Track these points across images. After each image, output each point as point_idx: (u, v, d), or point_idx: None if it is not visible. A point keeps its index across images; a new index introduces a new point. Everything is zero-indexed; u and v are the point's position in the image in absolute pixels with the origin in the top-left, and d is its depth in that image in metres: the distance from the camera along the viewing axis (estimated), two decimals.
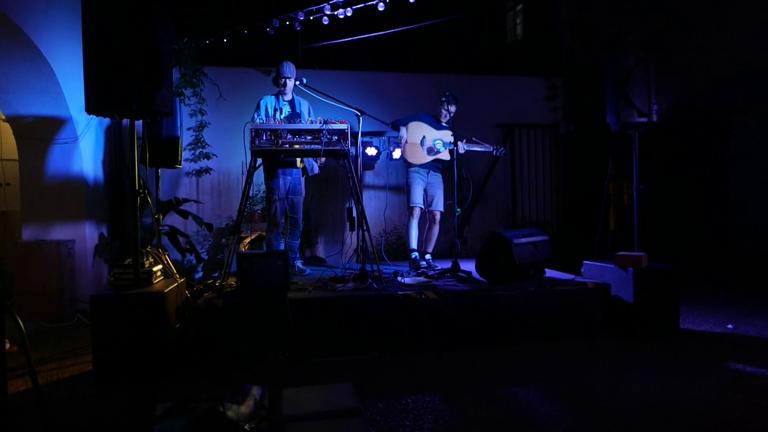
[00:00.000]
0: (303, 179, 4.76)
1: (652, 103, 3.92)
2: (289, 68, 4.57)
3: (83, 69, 2.92)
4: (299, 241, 4.83)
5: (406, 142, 4.88)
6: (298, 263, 4.78)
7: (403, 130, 4.89)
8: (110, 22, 2.87)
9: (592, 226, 5.94)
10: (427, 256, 5.04)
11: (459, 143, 4.74)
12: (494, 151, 4.91)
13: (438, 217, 5.03)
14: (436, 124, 4.96)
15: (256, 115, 4.54)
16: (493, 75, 7.66)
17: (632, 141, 4.22)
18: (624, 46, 3.86)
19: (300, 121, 4.53)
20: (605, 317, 3.99)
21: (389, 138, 6.73)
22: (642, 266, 3.92)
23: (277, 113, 4.57)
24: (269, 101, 4.61)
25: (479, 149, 4.87)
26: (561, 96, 7.71)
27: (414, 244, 4.98)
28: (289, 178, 4.61)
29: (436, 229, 5.05)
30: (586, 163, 7.23)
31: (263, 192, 6.58)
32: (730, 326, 4.19)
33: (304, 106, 4.74)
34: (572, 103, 7.63)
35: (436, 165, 5.01)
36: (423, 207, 4.98)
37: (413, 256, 4.97)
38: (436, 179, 5.03)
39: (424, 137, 4.90)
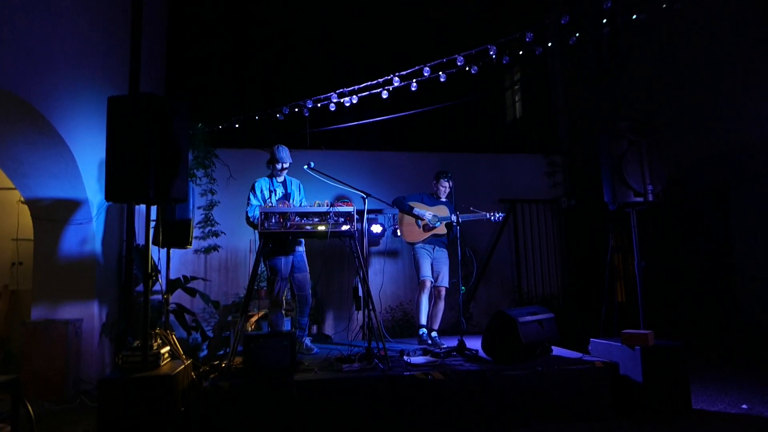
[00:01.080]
0: (305, 255, 4.86)
1: (647, 183, 4.08)
2: (286, 153, 4.79)
3: (105, 161, 3.12)
4: (308, 318, 4.87)
5: (424, 222, 5.05)
6: (307, 341, 4.79)
7: (424, 212, 5.07)
8: (132, 119, 3.10)
9: (598, 299, 5.96)
10: (434, 334, 5.06)
11: (460, 215, 4.91)
12: (491, 217, 5.05)
13: (443, 293, 5.10)
14: (433, 201, 5.18)
15: (252, 197, 4.70)
16: (494, 153, 7.95)
17: (630, 219, 4.35)
18: (615, 131, 4.07)
19: (292, 201, 4.72)
20: (615, 397, 3.93)
21: (394, 216, 6.91)
22: (649, 344, 3.92)
23: (272, 195, 4.74)
24: (263, 184, 4.79)
25: (475, 218, 5.02)
26: (560, 172, 7.94)
27: (423, 320, 5.03)
28: (291, 257, 4.70)
29: (442, 305, 5.10)
30: (589, 237, 7.33)
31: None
32: (744, 406, 4.11)
33: (294, 186, 4.90)
34: (572, 178, 7.85)
35: (441, 240, 5.15)
36: (433, 280, 5.07)
37: (421, 332, 5.00)
38: (442, 255, 5.15)
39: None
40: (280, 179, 4.84)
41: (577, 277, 7.59)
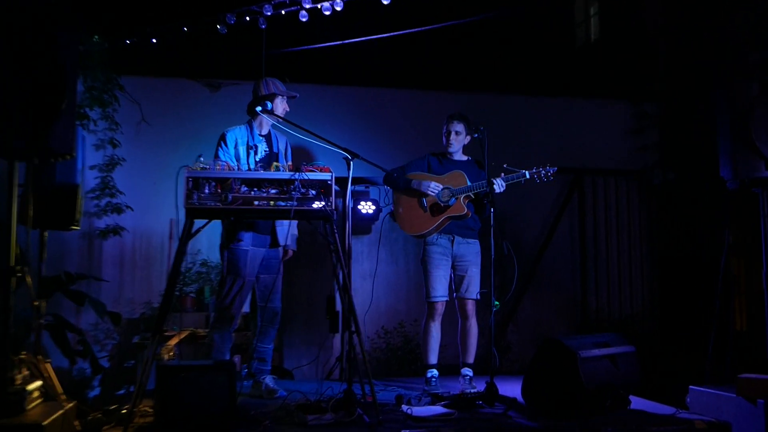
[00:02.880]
0: (282, 250, 4.90)
1: None
2: (283, 87, 4.84)
3: None
4: (273, 345, 4.93)
5: (431, 200, 5.05)
6: (268, 380, 4.83)
7: (427, 183, 5.02)
8: None
9: (704, 324, 5.97)
10: (466, 371, 5.11)
11: (495, 180, 4.87)
12: (536, 176, 4.99)
13: (471, 308, 5.13)
14: (446, 165, 5.19)
15: (221, 154, 4.70)
16: (552, 96, 7.90)
17: (759, 204, 4.35)
18: (741, 68, 4.05)
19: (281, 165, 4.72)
20: None
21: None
22: None
23: (251, 154, 4.76)
24: (239, 135, 4.81)
25: (510, 180, 4.98)
26: (654, 129, 7.89)
27: (432, 358, 5.08)
28: (262, 250, 4.74)
29: (473, 326, 5.14)
30: (695, 229, 7.31)
31: (199, 265, 6.67)
32: None
33: (281, 143, 4.97)
34: (671, 139, 7.80)
35: (465, 226, 5.15)
36: (447, 298, 5.11)
37: (429, 375, 5.05)
38: (468, 249, 5.15)
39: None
40: (264, 131, 4.90)
41: (672, 290, 7.59)
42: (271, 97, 4.76)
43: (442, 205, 5.04)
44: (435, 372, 5.05)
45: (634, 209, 7.80)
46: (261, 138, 4.87)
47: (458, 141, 5.17)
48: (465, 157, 5.27)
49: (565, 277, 7.61)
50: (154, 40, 6.43)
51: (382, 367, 6.37)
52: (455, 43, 8.30)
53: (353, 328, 4.07)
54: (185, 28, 6.29)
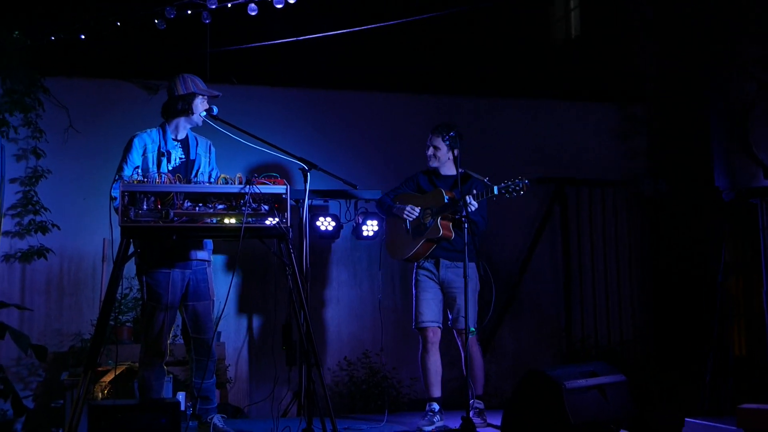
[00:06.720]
0: (210, 271, 4.85)
1: None
2: (202, 86, 4.78)
3: None
4: (215, 379, 4.88)
5: (416, 221, 5.16)
6: (216, 420, 4.76)
7: (404, 207, 5.15)
8: None
9: (701, 350, 6.04)
10: (476, 403, 5.12)
11: (468, 197, 4.91)
12: (504, 192, 4.96)
13: (467, 337, 5.11)
14: (431, 184, 5.29)
15: (126, 163, 4.66)
16: (530, 98, 7.96)
17: (758, 215, 4.43)
18: (737, 65, 4.12)
19: (196, 174, 4.68)
20: None
21: (356, 203, 6.86)
22: None
23: (163, 162, 4.72)
24: (148, 140, 4.75)
25: (483, 197, 5.02)
26: (643, 134, 7.98)
27: (433, 391, 5.19)
28: (187, 271, 4.68)
29: (475, 355, 5.17)
30: (689, 245, 7.39)
31: (136, 291, 6.60)
32: None
33: (202, 147, 4.91)
34: (662, 145, 7.88)
35: (453, 249, 5.19)
36: (440, 325, 5.20)
37: (427, 409, 5.15)
38: (456, 274, 5.18)
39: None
40: (180, 135, 4.84)
41: (667, 313, 7.64)
42: (190, 97, 4.71)
43: (423, 226, 5.09)
44: (435, 405, 5.14)
45: (622, 223, 7.85)
46: (176, 143, 4.80)
47: (438, 157, 5.27)
48: (453, 172, 5.28)
49: (547, 301, 7.64)
50: (83, 37, 6.37)
51: (345, 403, 6.34)
52: (423, 41, 8.31)
53: (312, 360, 4.06)
54: (118, 23, 6.24)
